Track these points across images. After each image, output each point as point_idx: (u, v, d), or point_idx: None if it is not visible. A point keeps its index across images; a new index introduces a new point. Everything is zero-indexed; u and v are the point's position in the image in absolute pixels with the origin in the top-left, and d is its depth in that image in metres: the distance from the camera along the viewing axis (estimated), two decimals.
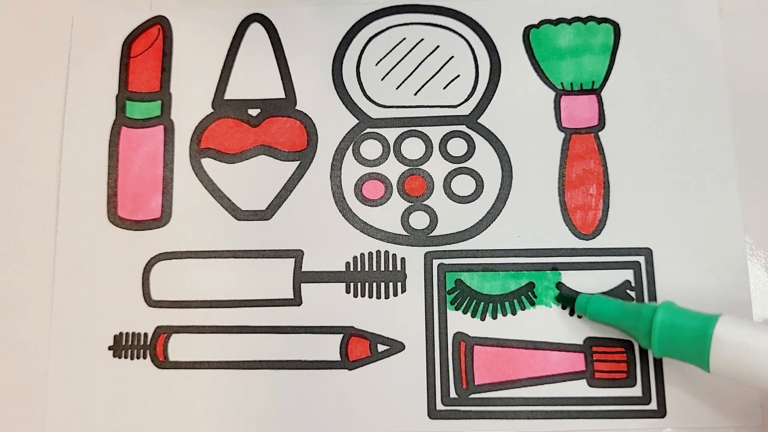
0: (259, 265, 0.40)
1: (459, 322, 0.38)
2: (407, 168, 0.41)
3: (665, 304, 0.34)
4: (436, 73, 0.41)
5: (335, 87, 0.42)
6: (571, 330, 0.38)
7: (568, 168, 0.40)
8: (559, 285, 0.38)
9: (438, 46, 0.42)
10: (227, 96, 0.42)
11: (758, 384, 0.31)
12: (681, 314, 0.34)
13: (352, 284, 0.39)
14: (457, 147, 0.41)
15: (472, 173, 0.40)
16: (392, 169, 0.41)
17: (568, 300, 0.38)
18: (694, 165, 0.39)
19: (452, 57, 0.42)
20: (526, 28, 0.42)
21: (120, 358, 0.39)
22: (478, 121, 0.41)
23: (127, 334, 0.39)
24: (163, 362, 0.39)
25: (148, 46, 0.43)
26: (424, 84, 0.41)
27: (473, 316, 0.38)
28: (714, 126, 0.40)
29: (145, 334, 0.39)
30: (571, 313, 0.38)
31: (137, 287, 0.40)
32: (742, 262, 0.38)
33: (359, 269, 0.39)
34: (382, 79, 0.42)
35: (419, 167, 0.40)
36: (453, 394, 0.38)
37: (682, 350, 0.33)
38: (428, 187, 0.40)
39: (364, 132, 0.41)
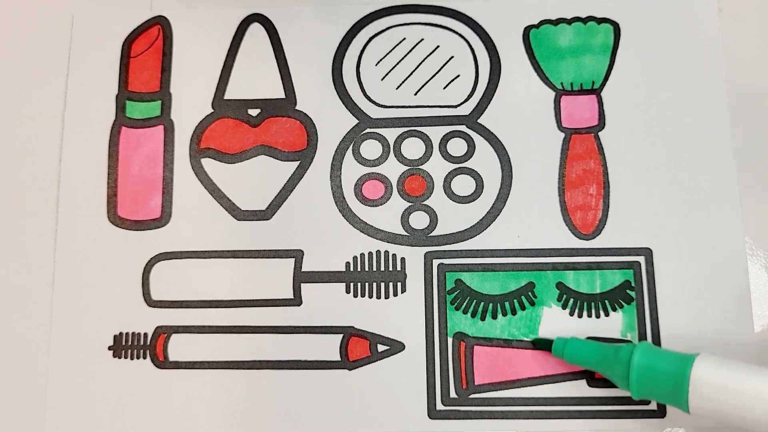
0: (259, 265, 0.40)
1: (459, 322, 0.38)
2: (407, 168, 0.41)
3: (642, 345, 0.34)
4: (436, 73, 0.41)
5: (335, 87, 0.42)
6: (572, 330, 0.38)
7: (568, 168, 0.40)
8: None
9: (438, 46, 0.42)
10: (227, 96, 0.42)
11: (738, 424, 0.31)
12: (657, 356, 0.33)
13: (352, 284, 0.39)
14: (457, 147, 0.41)
15: (472, 173, 0.40)
16: (392, 169, 0.41)
17: (545, 344, 0.37)
18: (694, 165, 0.39)
19: (452, 57, 0.42)
20: (526, 28, 0.42)
21: (120, 358, 0.39)
22: (478, 121, 0.41)
23: (127, 334, 0.39)
24: (163, 362, 0.39)
25: (148, 46, 0.43)
26: (424, 84, 0.41)
27: (473, 316, 0.38)
28: (714, 126, 0.40)
29: (145, 334, 0.39)
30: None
31: (137, 287, 0.40)
32: (742, 262, 0.38)
33: (359, 269, 0.39)
34: (382, 79, 0.42)
35: (419, 167, 0.40)
36: (453, 394, 0.38)
37: (661, 393, 0.33)
38: (428, 187, 0.40)
39: (364, 132, 0.41)
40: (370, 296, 0.39)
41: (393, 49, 0.42)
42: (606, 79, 0.41)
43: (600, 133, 0.40)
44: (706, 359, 0.32)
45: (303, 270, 0.39)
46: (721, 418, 0.31)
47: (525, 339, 0.38)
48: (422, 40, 0.42)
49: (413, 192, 0.40)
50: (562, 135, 0.40)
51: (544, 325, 0.38)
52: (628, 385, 0.33)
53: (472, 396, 0.38)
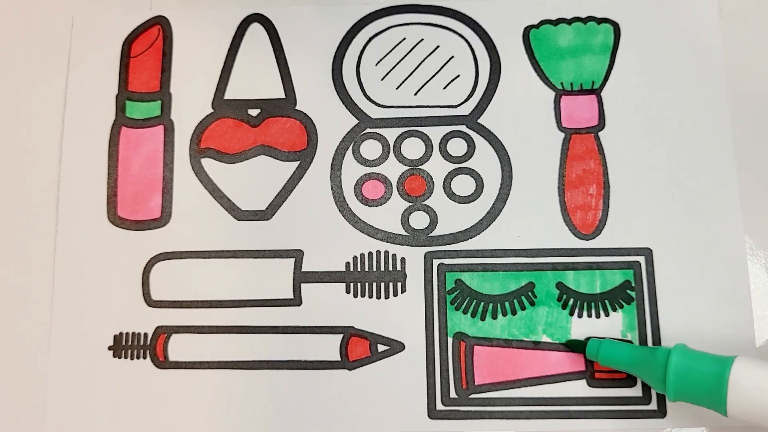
0: (259, 265, 0.40)
1: (459, 322, 0.38)
2: (407, 168, 0.41)
3: (678, 347, 0.33)
4: (436, 73, 0.41)
5: (335, 87, 0.42)
6: (571, 330, 0.38)
7: (568, 168, 0.40)
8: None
9: (438, 46, 0.42)
10: (227, 96, 0.42)
11: None
12: (695, 357, 0.33)
13: (352, 284, 0.39)
14: (457, 147, 0.41)
15: (472, 173, 0.40)
16: (392, 169, 0.41)
17: (578, 345, 0.37)
18: (694, 165, 0.39)
19: (452, 57, 0.42)
20: (526, 28, 0.42)
21: (120, 358, 0.39)
22: (478, 121, 0.41)
23: (127, 334, 0.39)
24: (163, 362, 0.39)
25: (148, 46, 0.43)
26: (424, 84, 0.41)
27: (473, 316, 0.38)
28: (714, 126, 0.40)
29: (145, 334, 0.39)
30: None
31: (137, 287, 0.40)
32: (742, 262, 0.38)
33: (359, 269, 0.39)
34: (382, 79, 0.42)
35: (419, 167, 0.40)
36: (453, 394, 0.38)
37: (697, 394, 0.32)
38: (428, 187, 0.40)
39: (364, 132, 0.41)
40: (370, 296, 0.39)
41: (393, 49, 0.42)
42: (606, 79, 0.41)
43: (600, 133, 0.40)
44: (744, 360, 0.31)
45: (303, 270, 0.39)
46: (760, 420, 0.31)
47: (525, 339, 0.38)
48: (422, 40, 0.42)
49: (413, 192, 0.40)
50: (562, 135, 0.40)
51: (544, 326, 0.38)
52: (665, 387, 0.33)
53: (472, 396, 0.38)
